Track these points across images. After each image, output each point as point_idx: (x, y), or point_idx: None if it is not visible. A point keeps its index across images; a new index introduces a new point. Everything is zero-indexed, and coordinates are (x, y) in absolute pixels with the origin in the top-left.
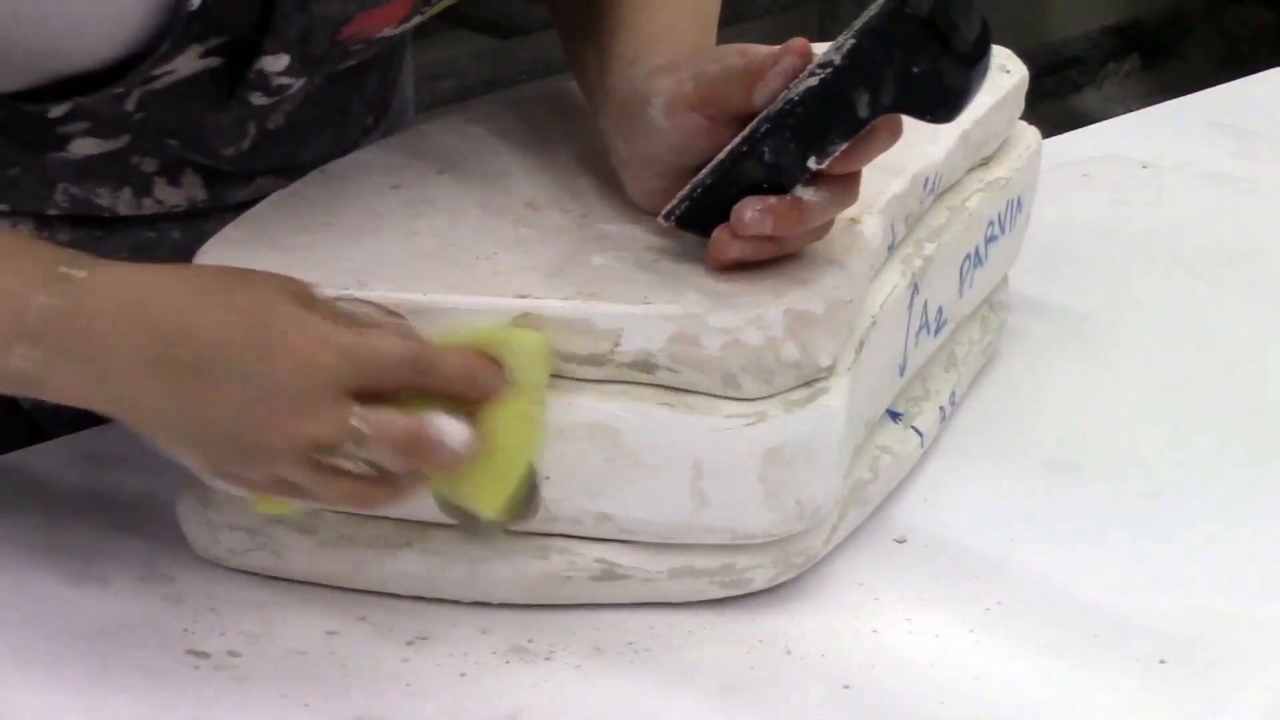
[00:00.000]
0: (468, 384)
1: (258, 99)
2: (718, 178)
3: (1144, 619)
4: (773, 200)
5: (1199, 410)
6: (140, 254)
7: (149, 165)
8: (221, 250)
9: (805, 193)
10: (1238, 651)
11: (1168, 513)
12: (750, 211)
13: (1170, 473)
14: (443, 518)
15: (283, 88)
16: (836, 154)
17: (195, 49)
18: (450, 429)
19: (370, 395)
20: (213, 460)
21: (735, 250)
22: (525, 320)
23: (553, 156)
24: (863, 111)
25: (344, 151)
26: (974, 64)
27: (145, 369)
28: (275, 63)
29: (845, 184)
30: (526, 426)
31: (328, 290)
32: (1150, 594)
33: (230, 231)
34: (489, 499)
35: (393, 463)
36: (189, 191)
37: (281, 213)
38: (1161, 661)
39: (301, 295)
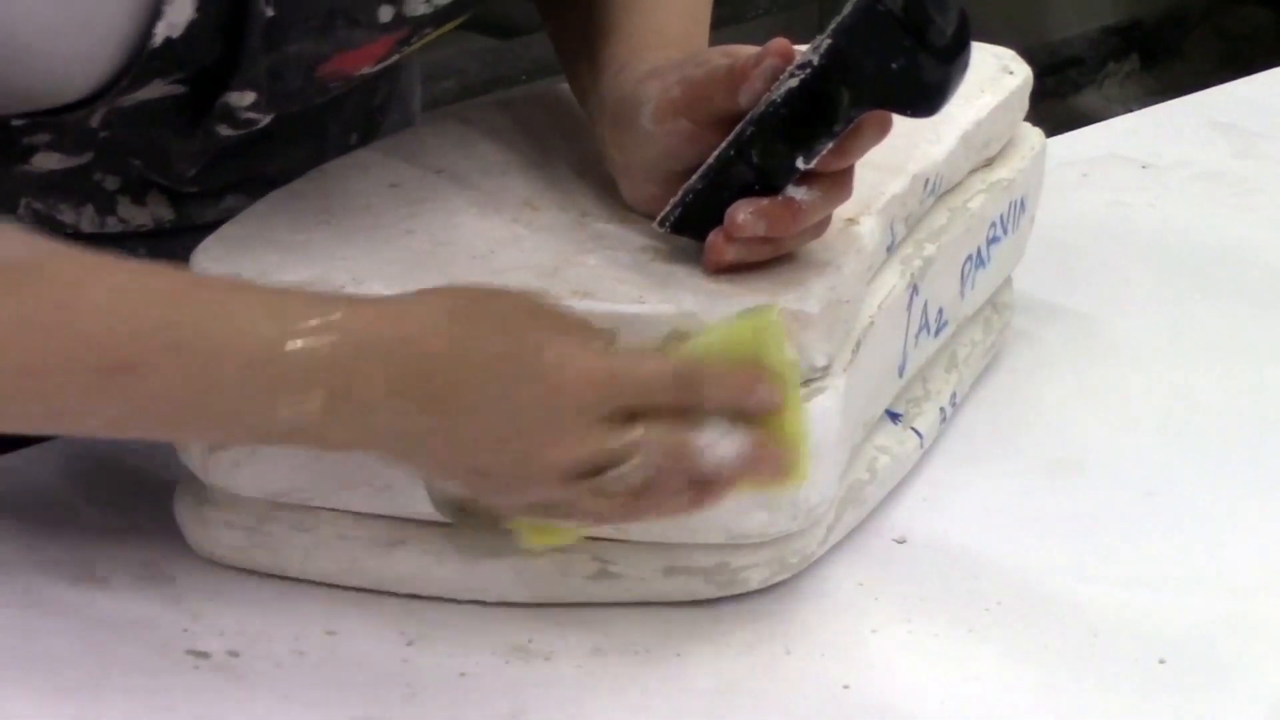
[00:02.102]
0: (741, 397)
1: (224, 130)
2: (708, 182)
3: (1144, 619)
4: (765, 201)
5: (1199, 410)
6: None
7: (111, 183)
8: (219, 248)
9: (797, 192)
10: (1238, 651)
11: (1168, 513)
12: (743, 214)
13: (1170, 473)
14: (437, 516)
15: (250, 122)
16: (824, 152)
17: (159, 82)
18: (719, 441)
19: (634, 416)
20: (480, 488)
21: (731, 253)
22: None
23: (550, 156)
24: (845, 109)
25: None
26: (952, 58)
27: (415, 405)
28: (241, 98)
29: (837, 181)
30: (797, 405)
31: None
32: (1150, 594)
33: (228, 230)
34: (793, 482)
35: (663, 474)
36: (155, 211)
37: (279, 211)
38: (1161, 661)
39: (553, 315)
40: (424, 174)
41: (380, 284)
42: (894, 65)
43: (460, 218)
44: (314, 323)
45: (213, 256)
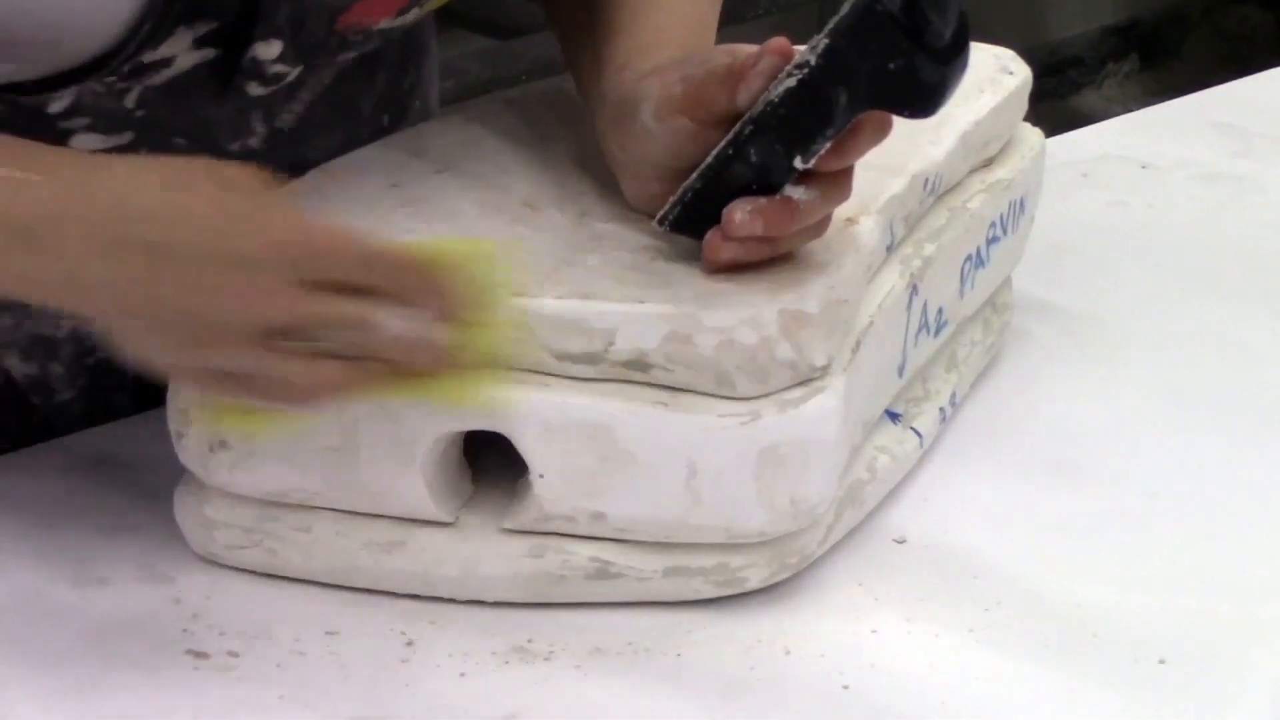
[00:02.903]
0: (424, 293)
1: (255, 89)
2: (706, 181)
3: (1144, 619)
4: (763, 201)
5: (1199, 411)
6: None
7: None
8: None
9: (795, 191)
10: (1238, 651)
11: (1168, 513)
12: (740, 213)
13: (1170, 473)
14: (437, 516)
15: (279, 76)
16: (822, 152)
17: (185, 35)
18: (402, 323)
19: (323, 288)
20: (162, 344)
21: (728, 252)
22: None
23: (551, 156)
24: (842, 109)
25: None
26: (950, 60)
27: (100, 250)
28: (268, 49)
29: (836, 181)
30: (495, 330)
31: None
32: (1150, 594)
33: None
34: (464, 398)
35: (347, 346)
36: None
37: None
38: (1161, 661)
39: (262, 191)
40: (425, 173)
41: None
42: (891, 66)
43: (461, 217)
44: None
45: None
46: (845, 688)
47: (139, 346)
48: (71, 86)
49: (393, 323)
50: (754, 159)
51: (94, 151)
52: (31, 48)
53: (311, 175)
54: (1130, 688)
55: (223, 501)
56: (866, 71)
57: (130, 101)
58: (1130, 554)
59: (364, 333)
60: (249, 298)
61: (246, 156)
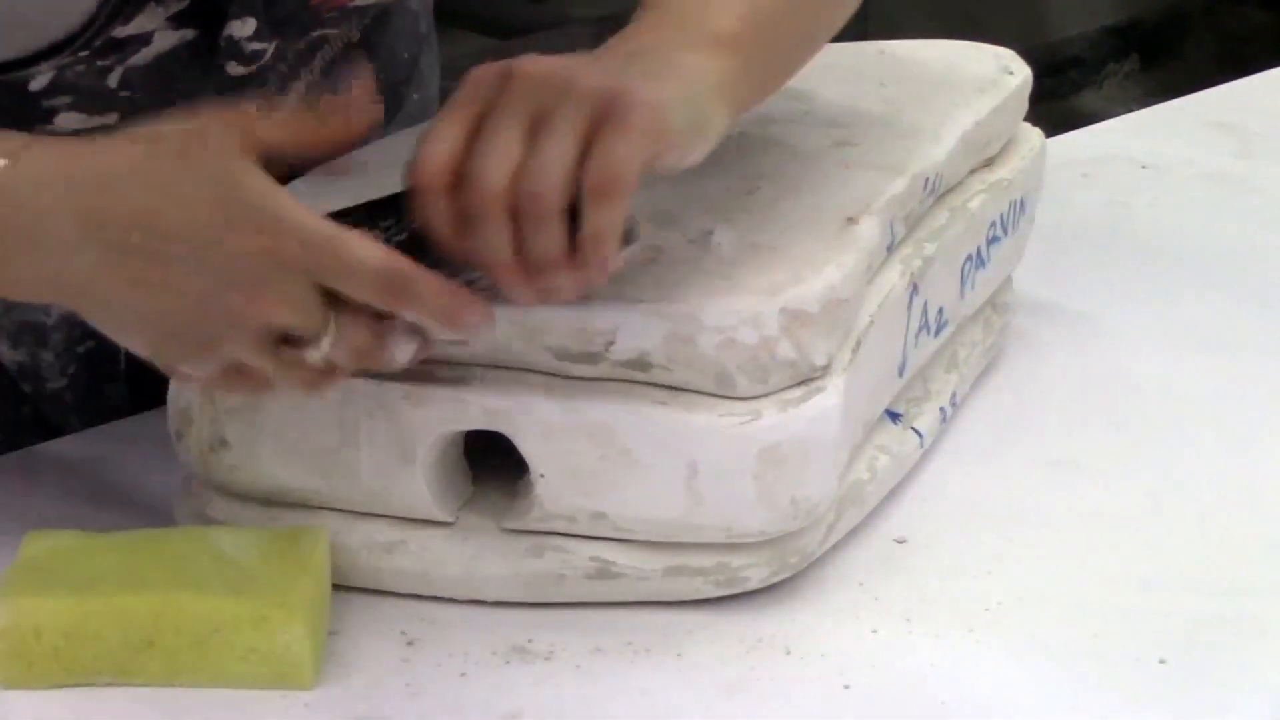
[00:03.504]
0: (445, 316)
1: (234, 68)
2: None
3: (1144, 619)
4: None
5: (1199, 410)
6: None
7: None
8: None
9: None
10: (1238, 651)
11: (1168, 513)
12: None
13: (1170, 473)
14: (437, 515)
15: (256, 54)
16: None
17: (156, 11)
18: (405, 347)
19: (334, 301)
20: (167, 348)
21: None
22: (520, 318)
23: None
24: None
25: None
26: None
27: (99, 257)
28: (243, 27)
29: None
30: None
31: None
32: (1150, 594)
33: None
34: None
35: (347, 363)
36: None
37: None
38: (1161, 661)
39: (265, 185)
40: None
41: None
42: None
43: None
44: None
45: None
46: (845, 688)
47: (137, 348)
48: (44, 64)
49: (400, 344)
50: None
51: (76, 132)
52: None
53: (311, 175)
54: (1130, 688)
55: (223, 501)
56: None
57: (113, 81)
58: (1130, 554)
59: (369, 359)
60: (256, 300)
61: None
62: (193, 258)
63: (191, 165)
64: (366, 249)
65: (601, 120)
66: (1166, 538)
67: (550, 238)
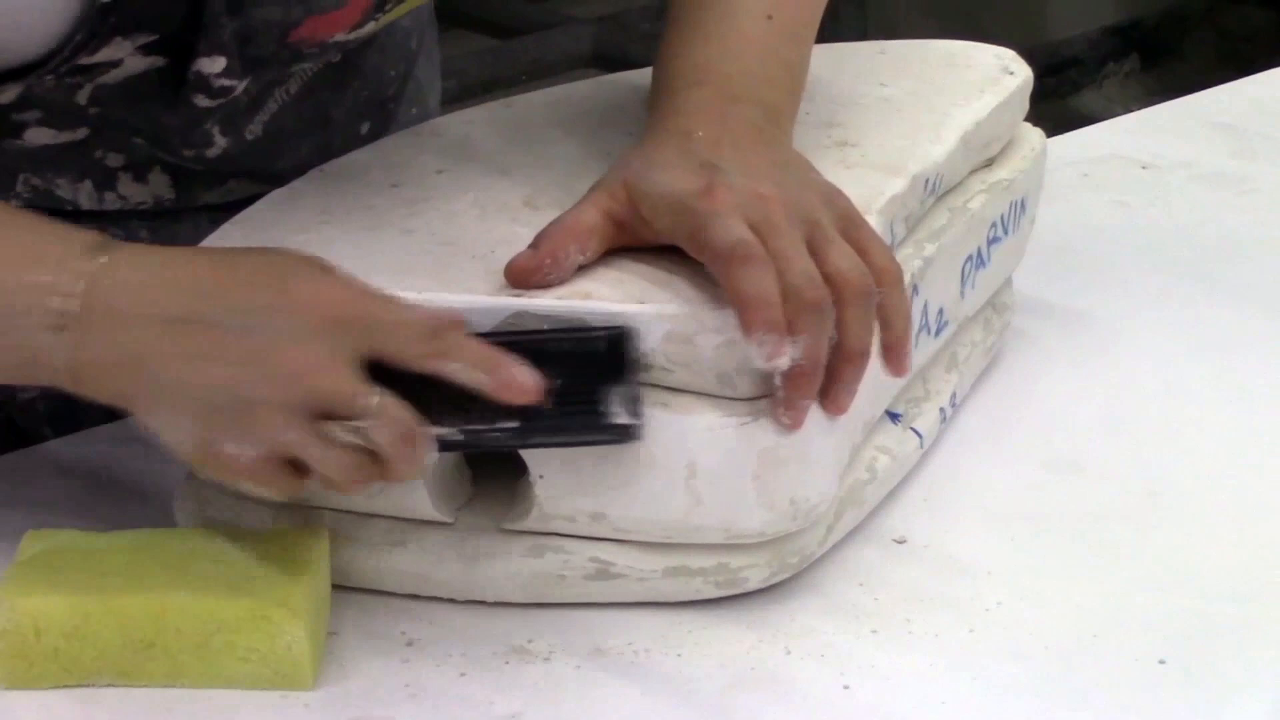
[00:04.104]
0: (490, 371)
1: (202, 101)
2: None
3: (1144, 619)
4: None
5: (1199, 410)
6: None
7: (114, 160)
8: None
9: None
10: (1238, 651)
11: (1168, 513)
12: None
13: (1170, 473)
14: (436, 516)
15: (225, 89)
16: None
17: (123, 43)
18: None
19: (379, 369)
20: (211, 425)
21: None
22: (520, 319)
23: (551, 156)
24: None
25: (329, 159)
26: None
27: (162, 326)
28: (212, 64)
29: None
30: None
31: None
32: (1150, 594)
33: (229, 229)
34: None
35: (388, 446)
36: (155, 190)
37: (280, 210)
38: (1161, 661)
39: (326, 265)
40: (424, 174)
41: (380, 284)
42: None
43: (461, 218)
44: (86, 263)
45: None
46: (845, 688)
47: (184, 430)
48: (9, 84)
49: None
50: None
51: (46, 146)
52: None
53: (311, 175)
54: (1130, 688)
55: (223, 502)
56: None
57: (82, 98)
58: (1130, 554)
59: (409, 442)
60: (303, 373)
61: (203, 165)
62: (247, 323)
63: (254, 251)
64: (413, 307)
65: (844, 226)
66: (1166, 538)
67: (870, 319)
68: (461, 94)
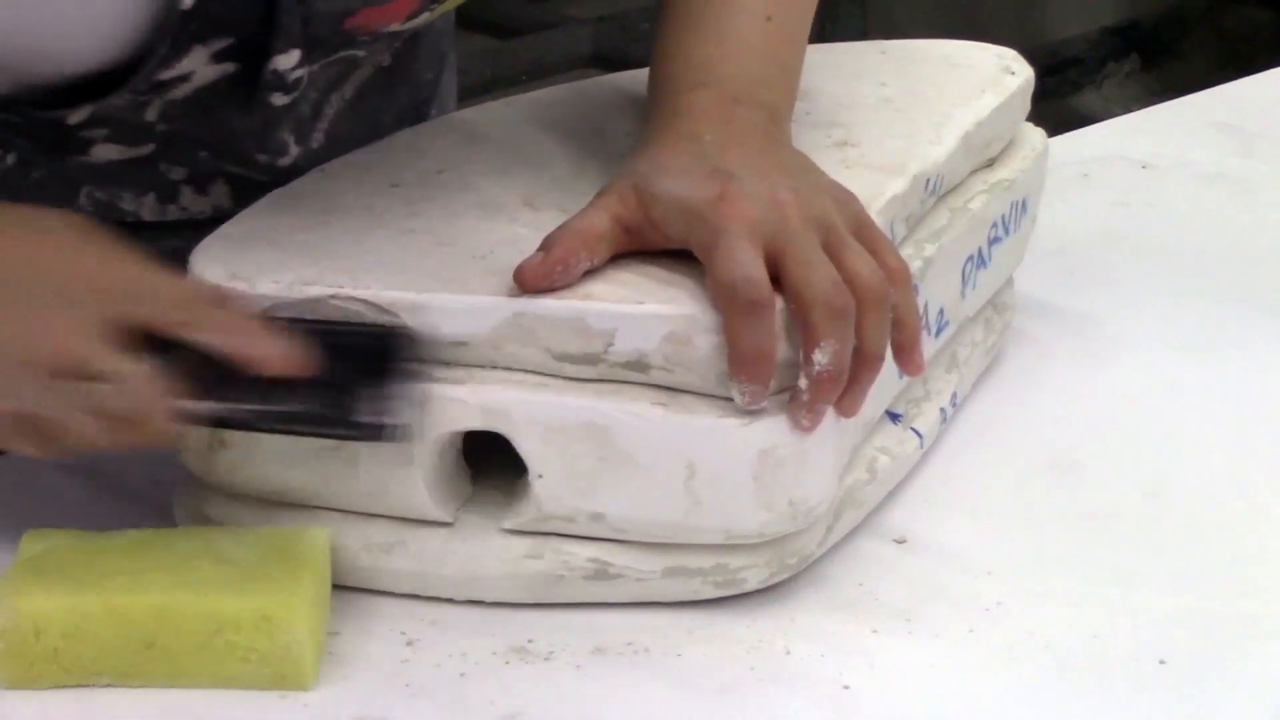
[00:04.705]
0: (242, 344)
1: (278, 99)
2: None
3: (1144, 619)
4: None
5: (1199, 410)
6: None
7: (177, 174)
8: (219, 247)
9: None
10: (1238, 651)
11: (1168, 513)
12: None
13: (1170, 473)
14: (436, 516)
15: (299, 82)
16: None
17: (200, 51)
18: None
19: (136, 338)
20: None
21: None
22: (519, 319)
23: (550, 156)
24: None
25: None
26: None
27: None
28: (287, 60)
29: None
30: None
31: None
32: (1150, 594)
33: (228, 228)
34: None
35: (124, 410)
36: (216, 200)
37: (279, 210)
38: (1161, 661)
39: (90, 231)
40: (425, 174)
41: (380, 284)
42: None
43: (461, 218)
44: None
45: (212, 256)
46: (845, 688)
47: None
48: (87, 105)
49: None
50: None
51: (111, 161)
52: (32, 65)
53: (311, 175)
54: (1130, 688)
55: (223, 501)
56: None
57: (151, 114)
58: (1130, 554)
59: (160, 406)
60: (46, 332)
61: (271, 175)
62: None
63: (23, 213)
64: (176, 279)
65: (855, 227)
66: (1166, 538)
67: (887, 323)
68: (462, 94)
